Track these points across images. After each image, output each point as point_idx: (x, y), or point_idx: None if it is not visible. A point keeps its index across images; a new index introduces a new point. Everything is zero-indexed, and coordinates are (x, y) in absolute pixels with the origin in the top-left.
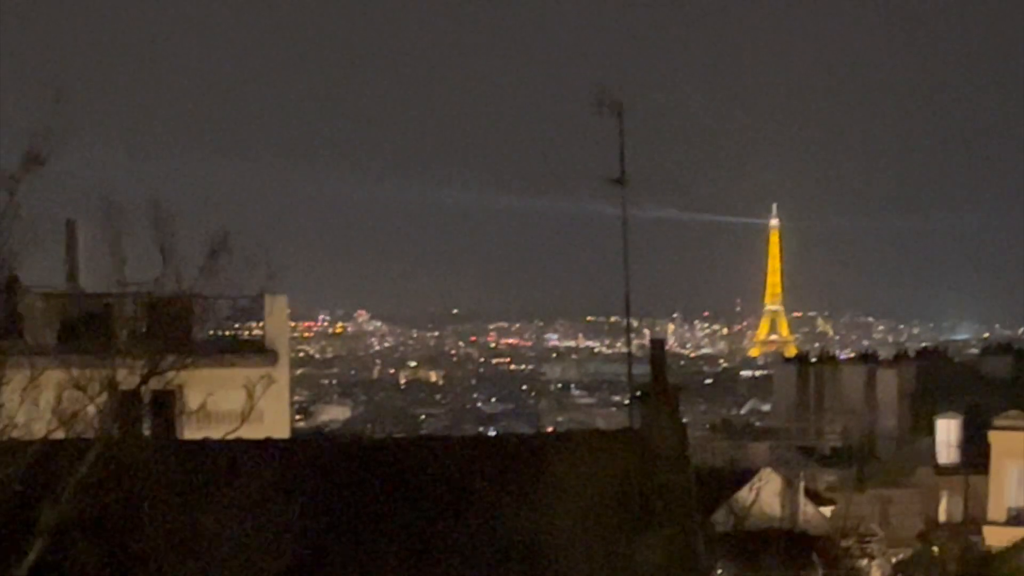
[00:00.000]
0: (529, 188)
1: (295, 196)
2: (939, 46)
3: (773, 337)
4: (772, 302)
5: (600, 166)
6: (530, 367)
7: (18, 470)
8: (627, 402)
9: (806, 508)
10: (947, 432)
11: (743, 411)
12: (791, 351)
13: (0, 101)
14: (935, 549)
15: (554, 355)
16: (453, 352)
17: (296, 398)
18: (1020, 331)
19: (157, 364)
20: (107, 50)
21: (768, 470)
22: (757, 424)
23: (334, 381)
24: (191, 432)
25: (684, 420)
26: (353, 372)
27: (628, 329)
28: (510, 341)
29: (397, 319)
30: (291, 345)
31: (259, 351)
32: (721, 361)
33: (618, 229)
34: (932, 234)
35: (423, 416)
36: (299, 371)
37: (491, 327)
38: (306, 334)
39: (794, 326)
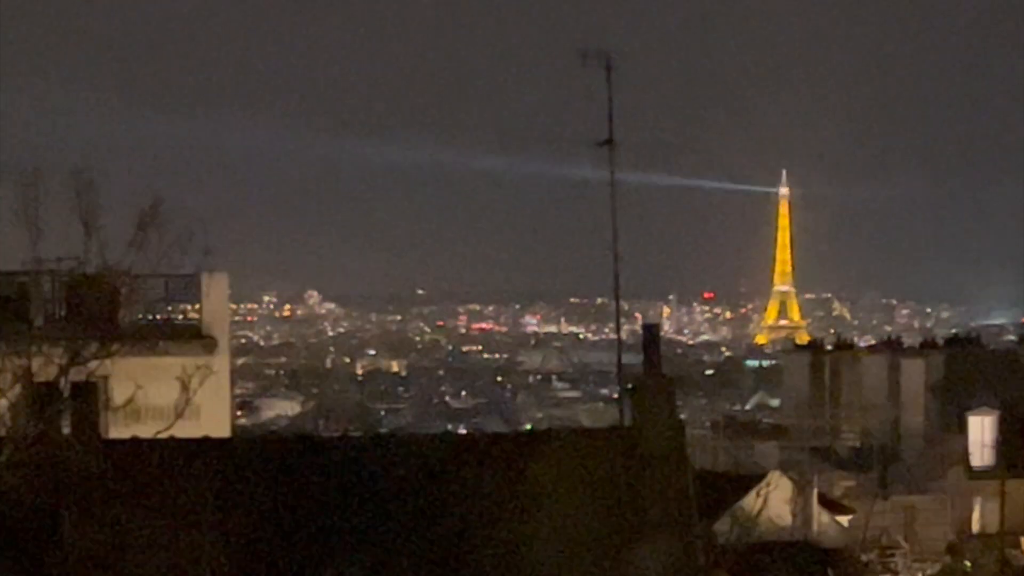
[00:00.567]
0: (506, 150)
1: (237, 160)
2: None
3: (783, 322)
4: (782, 282)
5: (586, 127)
6: (505, 356)
7: None
8: (616, 396)
9: (820, 517)
10: (981, 430)
11: (748, 406)
12: (803, 338)
13: None
14: (968, 564)
15: (533, 342)
16: (417, 339)
17: (238, 391)
18: None
19: (78, 352)
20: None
21: (777, 474)
22: (765, 421)
23: (281, 372)
24: (117, 430)
25: (681, 416)
26: (303, 361)
27: (618, 313)
28: (483, 326)
29: (353, 301)
30: (232, 330)
31: (195, 337)
32: (723, 349)
33: (606, 198)
34: (964, 205)
35: (383, 412)
36: (241, 360)
37: (461, 310)
38: (249, 318)
39: (807, 309)
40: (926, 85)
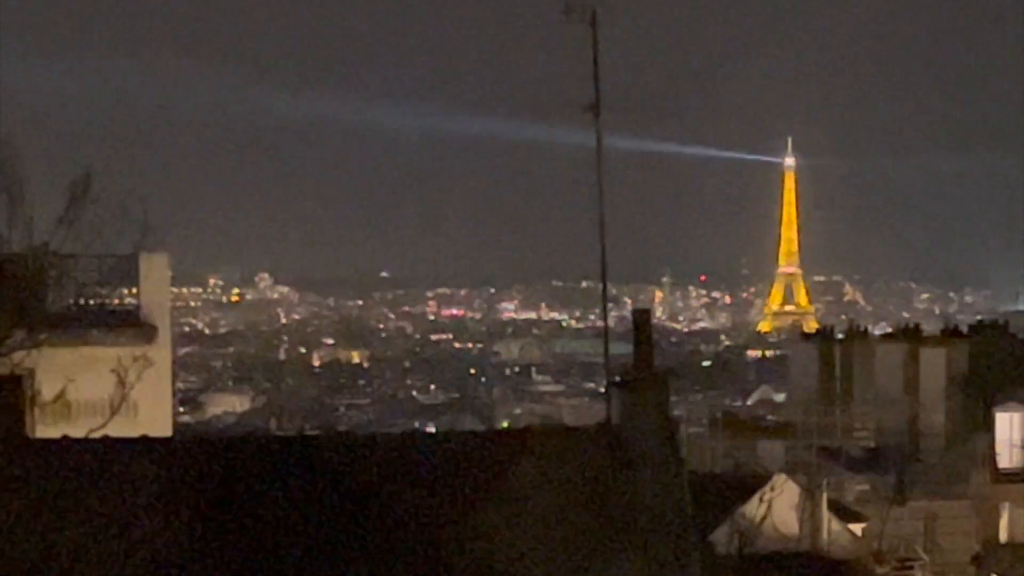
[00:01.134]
0: (481, 114)
1: (179, 127)
2: None
3: (789, 307)
4: (787, 263)
5: (570, 90)
6: (479, 345)
7: None
8: (603, 390)
9: (831, 525)
10: (1009, 428)
11: (750, 402)
12: (811, 325)
13: None
14: None
15: (510, 330)
16: (381, 326)
17: (180, 385)
18: None
19: (1, 342)
20: None
21: (783, 477)
22: (768, 418)
23: (229, 363)
24: (46, 429)
25: (675, 413)
26: (253, 352)
27: (604, 297)
28: (454, 312)
29: (309, 284)
30: (173, 317)
31: (132, 325)
32: (723, 338)
33: (592, 167)
34: (988, 179)
35: (342, 408)
36: (184, 351)
37: (429, 295)
38: (193, 303)
39: (815, 293)
40: (944, 45)
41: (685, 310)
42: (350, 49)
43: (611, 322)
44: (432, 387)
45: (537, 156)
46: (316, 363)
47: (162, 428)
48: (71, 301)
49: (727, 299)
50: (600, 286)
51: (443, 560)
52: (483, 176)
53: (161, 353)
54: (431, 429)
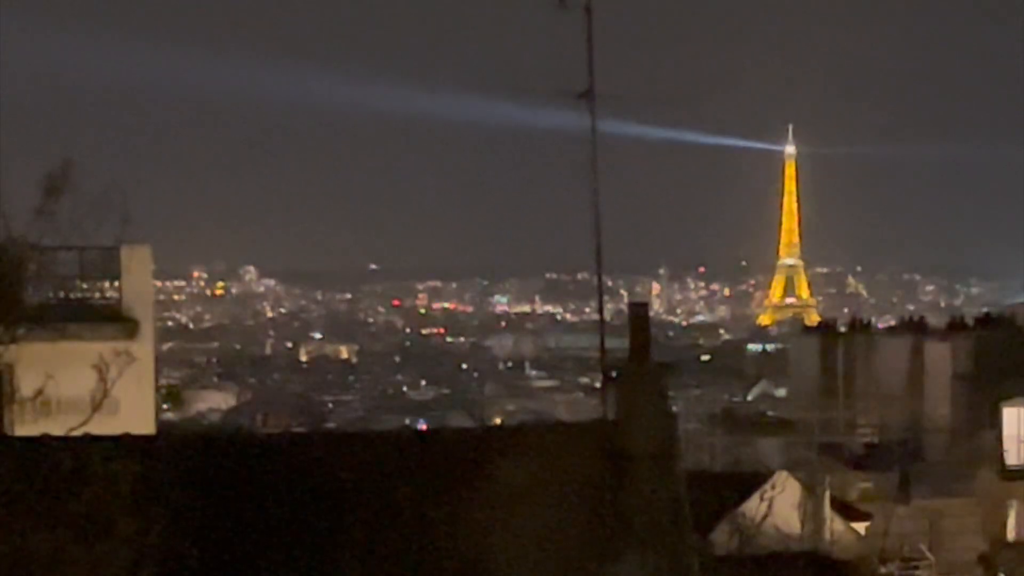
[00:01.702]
0: (472, 98)
1: (159, 114)
2: None
3: (790, 300)
4: (788, 254)
5: (565, 75)
6: (471, 340)
7: None
8: (599, 385)
9: (834, 524)
10: (1016, 423)
11: (751, 397)
12: (813, 318)
13: None
14: None
15: (503, 324)
16: (370, 320)
17: (164, 381)
18: None
19: None
20: None
21: (783, 474)
22: (769, 414)
23: (213, 359)
24: (25, 426)
25: (673, 409)
26: (238, 347)
27: (600, 290)
28: (445, 306)
29: (296, 277)
30: (156, 311)
31: (114, 319)
32: (722, 331)
33: (587, 156)
34: (995, 168)
35: (331, 404)
36: (167, 345)
37: (420, 287)
38: (176, 296)
39: (817, 286)
40: (961, 26)
41: (683, 303)
42: (336, 32)
43: (607, 315)
44: (423, 383)
45: (530, 144)
46: (303, 358)
47: (145, 425)
48: (51, 295)
49: (726, 292)
50: (595, 279)
51: (434, 561)
52: (477, 165)
53: (143, 348)
54: (422, 426)
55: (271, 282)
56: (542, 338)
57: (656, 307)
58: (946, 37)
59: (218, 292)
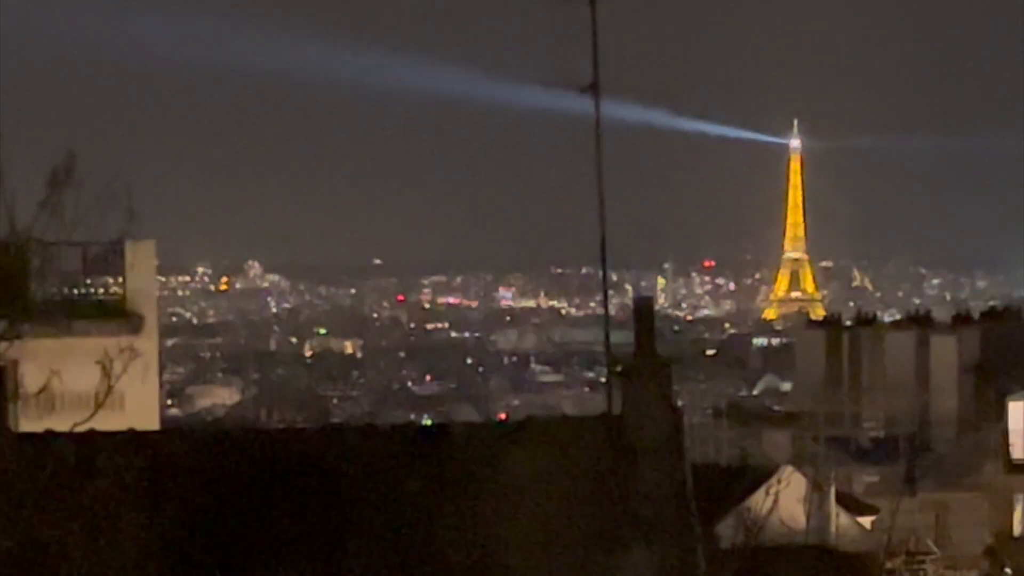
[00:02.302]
0: (477, 89)
1: (164, 108)
2: None
3: (795, 294)
4: (793, 248)
5: (569, 66)
6: (476, 335)
7: None
8: (604, 380)
9: (839, 518)
10: (1022, 417)
11: (756, 391)
12: (818, 312)
13: None
14: (1008, 571)
15: (508, 318)
16: (375, 315)
17: (167, 377)
18: None
19: None
20: None
21: (789, 468)
22: (775, 408)
23: (218, 354)
24: (29, 422)
25: (679, 403)
26: (243, 342)
27: (605, 284)
28: (450, 300)
29: (300, 272)
30: (161, 307)
31: (118, 315)
32: (727, 326)
33: (591, 149)
34: (1002, 161)
35: (335, 399)
36: (171, 341)
37: (425, 282)
38: (181, 292)
39: (823, 279)
40: (967, 17)
41: (688, 297)
42: (337, 32)
43: (612, 310)
44: (428, 378)
45: (537, 137)
46: (308, 353)
47: (149, 421)
48: (55, 290)
49: (731, 286)
50: (600, 273)
51: (440, 554)
52: (482, 159)
53: (148, 344)
54: (427, 421)
55: (275, 277)
56: (547, 333)
57: (661, 301)
58: (953, 30)
59: (222, 287)
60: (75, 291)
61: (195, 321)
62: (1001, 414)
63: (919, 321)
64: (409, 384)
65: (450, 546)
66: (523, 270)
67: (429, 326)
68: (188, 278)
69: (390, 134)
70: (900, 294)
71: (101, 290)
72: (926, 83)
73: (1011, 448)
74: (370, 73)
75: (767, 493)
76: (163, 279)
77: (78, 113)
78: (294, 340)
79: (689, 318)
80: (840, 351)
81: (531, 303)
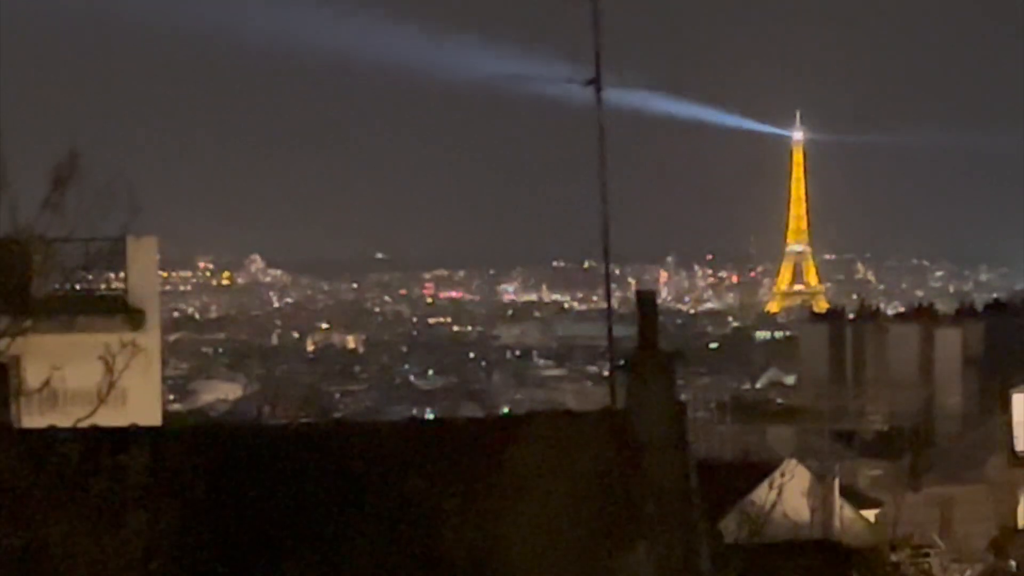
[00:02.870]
0: (478, 77)
1: (165, 104)
2: None
3: (798, 287)
4: (796, 241)
5: (571, 58)
6: (479, 329)
7: None
8: (607, 374)
9: (843, 512)
10: None
11: (759, 385)
12: (822, 305)
13: None
14: (1013, 563)
15: (511, 313)
16: (377, 310)
17: (170, 372)
18: None
19: None
20: None
21: (793, 462)
22: (778, 402)
23: (220, 349)
24: (32, 418)
25: (682, 397)
26: (245, 337)
27: (608, 278)
28: (453, 295)
29: (303, 267)
30: (163, 302)
31: (120, 310)
32: (730, 319)
33: (592, 140)
34: (1005, 155)
35: (338, 394)
36: (174, 336)
37: (427, 277)
38: (183, 288)
39: (826, 272)
40: (971, 11)
41: (691, 290)
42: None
43: (615, 303)
44: (430, 372)
45: (539, 129)
46: (310, 348)
47: (152, 417)
48: (57, 286)
49: (734, 279)
50: (602, 267)
51: (443, 550)
52: (483, 152)
53: (150, 339)
54: (430, 415)
55: (278, 272)
56: (550, 327)
57: (664, 295)
58: (956, 25)
59: (224, 282)
60: (77, 287)
61: (197, 316)
62: (1005, 407)
63: (923, 314)
64: (411, 379)
65: (453, 541)
66: (526, 264)
67: (431, 320)
68: (190, 273)
69: (392, 128)
70: (903, 287)
71: (103, 286)
72: (931, 77)
73: (1015, 441)
74: (370, 72)
75: (771, 487)
76: (165, 274)
77: (79, 109)
78: (296, 335)
79: (692, 311)
80: (843, 344)
81: (534, 297)
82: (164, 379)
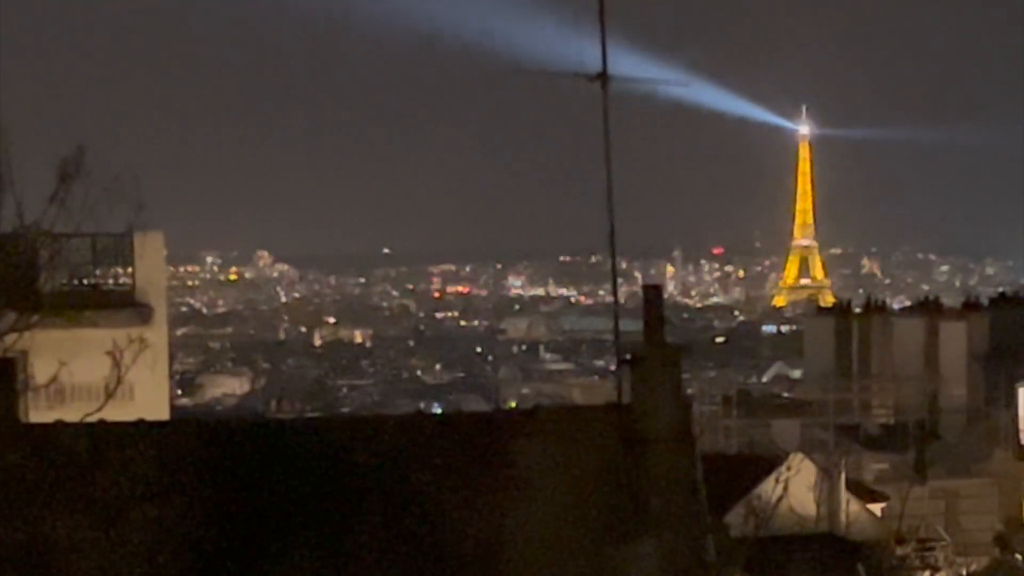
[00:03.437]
0: (484, 73)
1: (170, 100)
2: None
3: (804, 281)
4: (802, 235)
5: (576, 51)
6: (485, 323)
7: None
8: (613, 368)
9: (849, 505)
10: None
11: (766, 378)
12: (828, 299)
13: None
14: (1019, 557)
15: (517, 307)
16: (384, 304)
17: (177, 367)
18: None
19: None
20: None
21: (799, 456)
22: (784, 395)
23: (227, 344)
24: (39, 413)
25: (688, 392)
26: (252, 332)
27: (614, 272)
28: (459, 289)
29: (309, 262)
30: (170, 297)
31: (127, 305)
32: (737, 313)
33: (599, 134)
34: (1011, 149)
35: (345, 389)
36: (181, 331)
37: (434, 271)
38: (190, 283)
39: (832, 266)
40: (977, 4)
41: (697, 285)
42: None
43: (621, 298)
44: (437, 367)
45: (545, 122)
46: (317, 343)
47: (159, 411)
48: (64, 282)
49: (740, 273)
50: (609, 261)
51: (450, 544)
52: (490, 147)
53: (157, 334)
54: (436, 410)
55: (284, 267)
56: (556, 321)
57: (670, 289)
58: (965, 20)
59: (231, 277)
60: (84, 282)
61: (204, 311)
62: (1011, 401)
63: (928, 308)
64: (418, 373)
65: (459, 535)
66: (532, 258)
67: (438, 315)
68: (197, 268)
69: (399, 123)
70: (909, 281)
71: (110, 281)
72: (937, 72)
73: (1021, 435)
74: (376, 69)
75: (777, 481)
76: (172, 269)
77: (85, 105)
78: (303, 330)
79: (699, 306)
80: (849, 338)
81: (540, 291)
82: (171, 374)
